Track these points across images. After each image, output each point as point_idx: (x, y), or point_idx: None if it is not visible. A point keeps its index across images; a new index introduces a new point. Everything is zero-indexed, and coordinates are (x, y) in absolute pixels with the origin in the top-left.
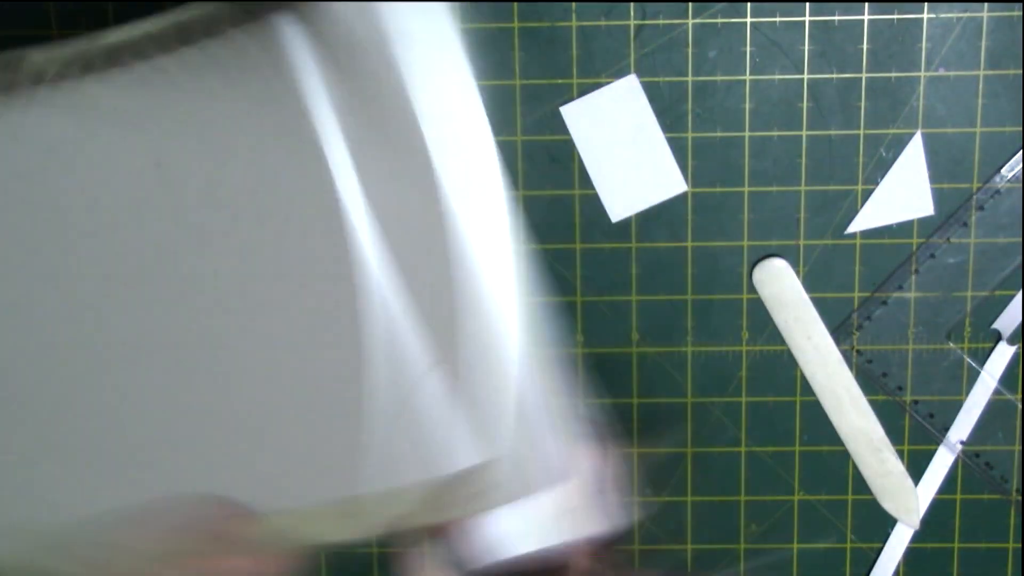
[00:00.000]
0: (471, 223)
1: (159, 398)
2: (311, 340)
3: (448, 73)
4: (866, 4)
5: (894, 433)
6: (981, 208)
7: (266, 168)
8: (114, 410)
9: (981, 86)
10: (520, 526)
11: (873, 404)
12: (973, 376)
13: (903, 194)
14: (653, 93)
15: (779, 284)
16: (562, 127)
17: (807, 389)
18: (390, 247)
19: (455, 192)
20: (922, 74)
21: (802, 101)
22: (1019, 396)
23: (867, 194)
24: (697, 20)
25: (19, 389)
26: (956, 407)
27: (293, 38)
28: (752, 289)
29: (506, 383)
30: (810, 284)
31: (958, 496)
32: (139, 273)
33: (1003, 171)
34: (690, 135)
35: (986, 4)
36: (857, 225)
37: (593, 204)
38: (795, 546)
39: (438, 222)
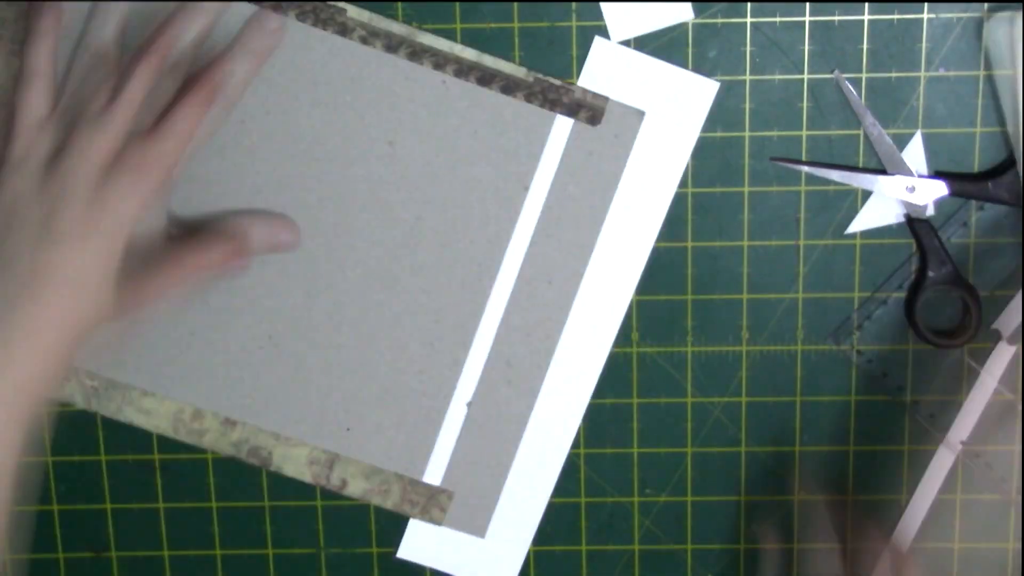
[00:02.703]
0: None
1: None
2: (435, 319)
3: (664, 175)
4: (866, 4)
5: (894, 433)
6: (981, 208)
7: (473, 201)
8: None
9: (981, 86)
10: None
11: (872, 404)
12: (973, 376)
13: (903, 194)
14: None
15: None
16: None
17: (807, 389)
18: (508, 310)
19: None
20: (922, 74)
21: (802, 101)
22: (1019, 396)
23: (867, 194)
24: (697, 20)
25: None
26: (956, 407)
27: (558, 132)
28: (752, 289)
29: (498, 447)
30: (810, 284)
31: (958, 496)
32: (359, 221)
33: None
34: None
35: (986, 4)
36: (857, 225)
37: None
38: (795, 546)
39: (562, 310)
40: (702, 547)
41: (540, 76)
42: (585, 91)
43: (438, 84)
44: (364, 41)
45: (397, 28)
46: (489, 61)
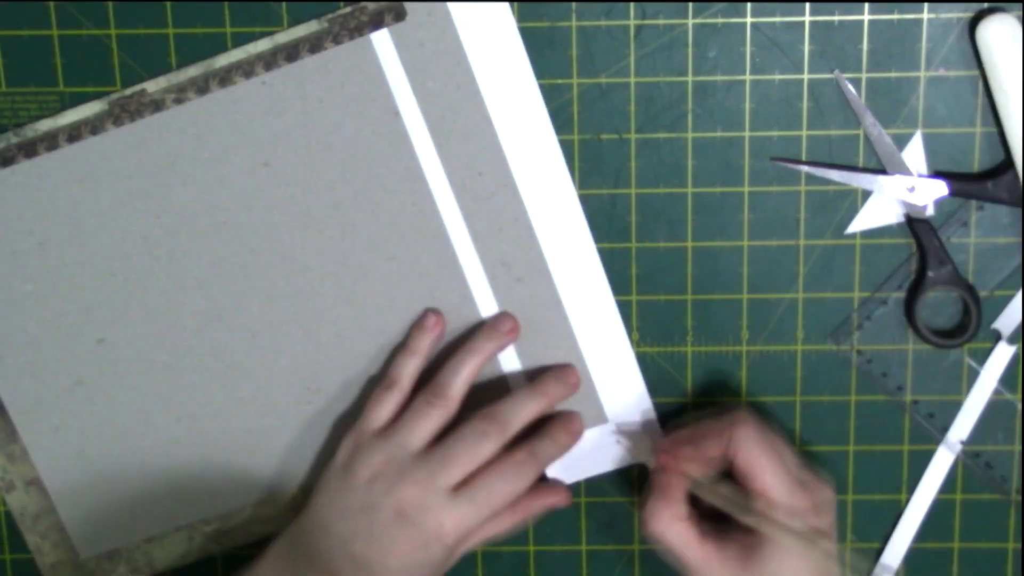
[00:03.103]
0: (536, 194)
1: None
2: (404, 301)
3: (509, 64)
4: (866, 4)
5: (894, 433)
6: (981, 208)
7: (362, 159)
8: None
9: (981, 86)
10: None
11: (872, 404)
12: (973, 376)
13: (903, 194)
14: (653, 93)
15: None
16: (563, 126)
17: (807, 389)
18: (468, 216)
19: (519, 161)
20: (922, 74)
21: (802, 101)
22: (1019, 396)
23: (867, 194)
24: (697, 20)
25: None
26: (956, 407)
27: (386, 52)
28: (752, 289)
29: (559, 341)
30: (810, 284)
31: (958, 496)
32: (251, 257)
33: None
34: (690, 135)
35: (986, 4)
36: (857, 225)
37: (594, 204)
38: None
39: (512, 195)
40: None
41: (331, 16)
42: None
43: (260, 88)
44: (178, 101)
45: (193, 70)
46: (283, 37)
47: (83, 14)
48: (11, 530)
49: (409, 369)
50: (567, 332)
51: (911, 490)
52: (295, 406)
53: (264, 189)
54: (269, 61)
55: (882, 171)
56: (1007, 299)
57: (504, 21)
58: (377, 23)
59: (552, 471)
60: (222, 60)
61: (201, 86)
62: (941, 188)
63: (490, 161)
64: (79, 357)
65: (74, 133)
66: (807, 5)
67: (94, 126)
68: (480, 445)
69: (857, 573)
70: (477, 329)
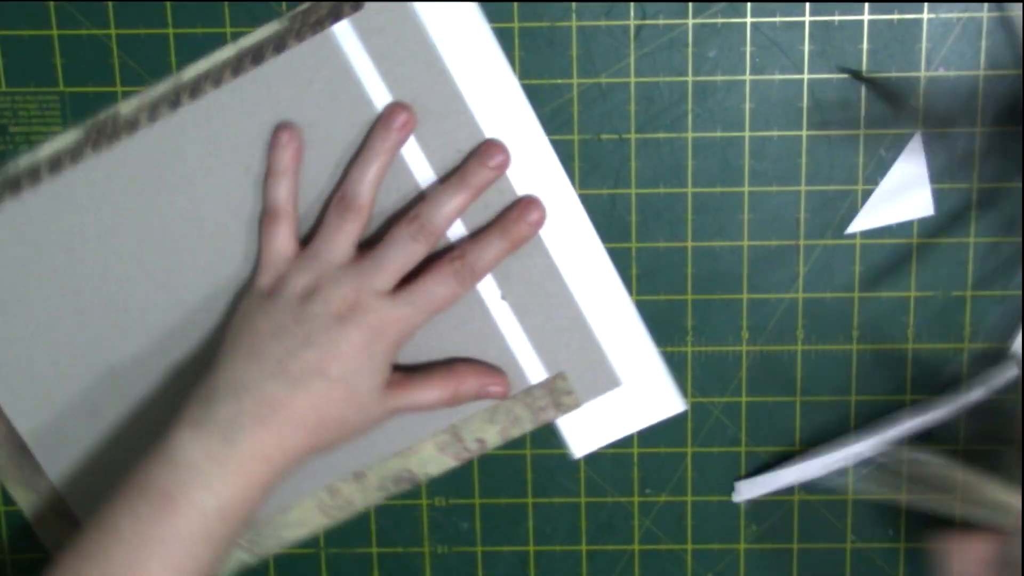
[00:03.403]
0: (517, 161)
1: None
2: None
3: (471, 36)
4: (866, 4)
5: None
6: (981, 208)
7: (341, 151)
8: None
9: (981, 86)
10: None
11: (873, 404)
12: (971, 378)
13: (903, 194)
14: (653, 93)
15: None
16: (563, 126)
17: (807, 389)
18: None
19: (496, 132)
20: (922, 74)
21: (802, 101)
22: (1019, 395)
23: (867, 194)
24: (697, 20)
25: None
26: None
27: (350, 43)
28: (752, 289)
29: (560, 309)
30: (810, 284)
31: (958, 497)
32: (245, 264)
33: None
34: (690, 135)
35: (986, 4)
36: (857, 225)
37: (594, 204)
38: (795, 546)
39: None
40: (702, 547)
41: (291, 13)
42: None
43: (231, 94)
44: (152, 119)
45: (163, 86)
46: (248, 40)
47: (83, 14)
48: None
49: (283, 191)
50: (566, 298)
51: (912, 489)
52: None
53: (249, 194)
54: (236, 66)
55: (882, 171)
56: (1008, 298)
57: (467, 8)
58: (336, 15)
59: (572, 437)
60: (190, 72)
61: (173, 100)
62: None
63: (467, 137)
64: (91, 385)
65: (55, 164)
66: (807, 5)
67: (74, 154)
68: (408, 247)
69: None
70: (370, 133)
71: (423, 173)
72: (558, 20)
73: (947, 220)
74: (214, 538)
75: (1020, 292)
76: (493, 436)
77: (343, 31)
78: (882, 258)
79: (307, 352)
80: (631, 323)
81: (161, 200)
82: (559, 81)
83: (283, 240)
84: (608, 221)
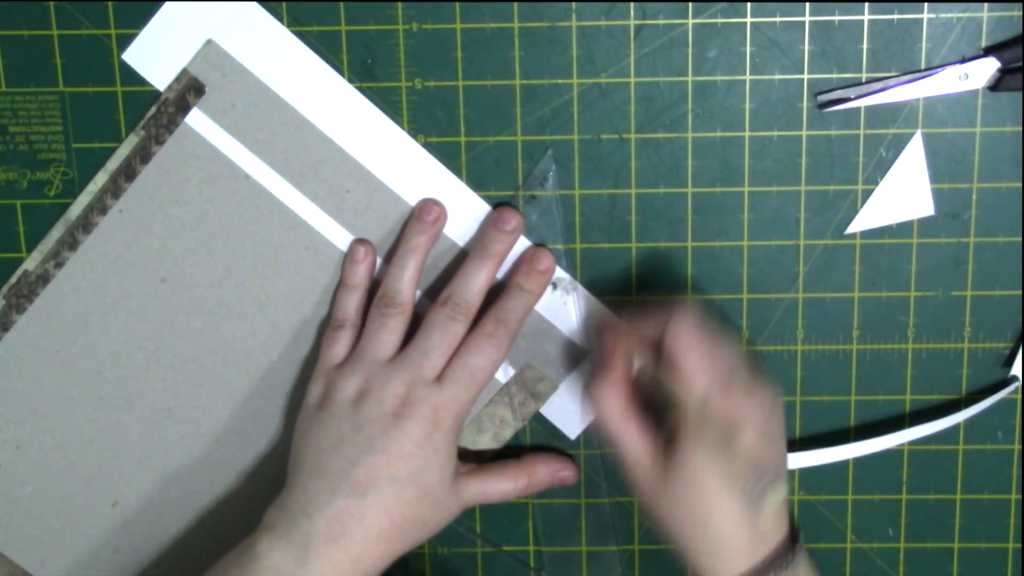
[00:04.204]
0: (404, 181)
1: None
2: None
3: (313, 75)
4: (866, 4)
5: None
6: (981, 208)
7: (240, 232)
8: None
9: (981, 86)
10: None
11: (873, 404)
12: (972, 376)
13: (903, 194)
14: (653, 93)
15: None
16: (563, 126)
17: (807, 389)
18: (359, 233)
19: (374, 162)
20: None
21: (802, 101)
22: (1019, 395)
23: (867, 194)
24: (697, 20)
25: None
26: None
27: (207, 128)
28: (752, 289)
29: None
30: (810, 284)
31: (958, 496)
32: (197, 368)
33: None
34: (690, 135)
35: (986, 4)
36: (857, 225)
37: (594, 204)
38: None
39: (387, 193)
40: None
41: (143, 122)
42: (170, 87)
43: (120, 217)
44: (59, 266)
45: (55, 231)
46: (115, 162)
47: (83, 14)
48: None
49: (352, 303)
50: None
51: (912, 489)
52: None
53: (175, 301)
54: (114, 190)
55: (882, 171)
56: (1008, 298)
57: (285, 44)
58: (184, 107)
59: (561, 423)
60: (75, 209)
61: (70, 242)
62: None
63: (348, 173)
64: (96, 520)
65: None
66: (807, 5)
67: (3, 323)
68: (448, 328)
69: (770, 494)
70: (405, 228)
71: (325, 224)
72: (558, 20)
73: (947, 220)
74: None
75: (1020, 292)
76: (488, 443)
77: (196, 120)
78: (882, 258)
79: (370, 458)
80: (579, 294)
81: (99, 337)
82: (559, 81)
83: (341, 348)
84: (608, 221)
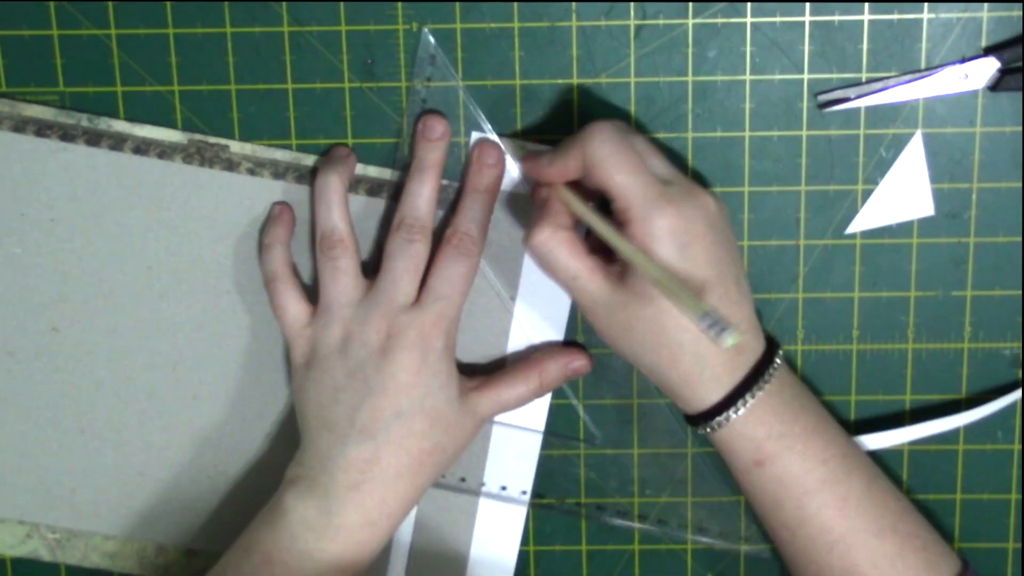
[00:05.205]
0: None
1: None
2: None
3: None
4: (866, 4)
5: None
6: (981, 208)
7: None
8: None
9: (981, 86)
10: None
11: (873, 404)
12: (972, 376)
13: (903, 194)
14: (653, 93)
15: None
16: (563, 126)
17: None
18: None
19: None
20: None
21: (802, 101)
22: (1019, 396)
23: (867, 194)
24: (697, 20)
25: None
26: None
27: None
28: (752, 289)
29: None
30: (810, 284)
31: (958, 496)
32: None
33: None
34: (690, 135)
35: (986, 4)
36: (857, 225)
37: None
38: None
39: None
40: (702, 547)
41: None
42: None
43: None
44: (252, 172)
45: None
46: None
47: (83, 14)
48: None
49: (278, 259)
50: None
51: (912, 489)
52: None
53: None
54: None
55: (882, 171)
56: (1008, 298)
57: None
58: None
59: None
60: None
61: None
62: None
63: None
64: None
65: None
66: (807, 5)
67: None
68: (408, 251)
69: (710, 323)
70: (414, 150)
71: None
72: (558, 20)
73: (947, 220)
74: None
75: (1020, 292)
76: None
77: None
78: (882, 258)
79: (371, 400)
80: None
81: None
82: (559, 81)
83: (294, 305)
84: None
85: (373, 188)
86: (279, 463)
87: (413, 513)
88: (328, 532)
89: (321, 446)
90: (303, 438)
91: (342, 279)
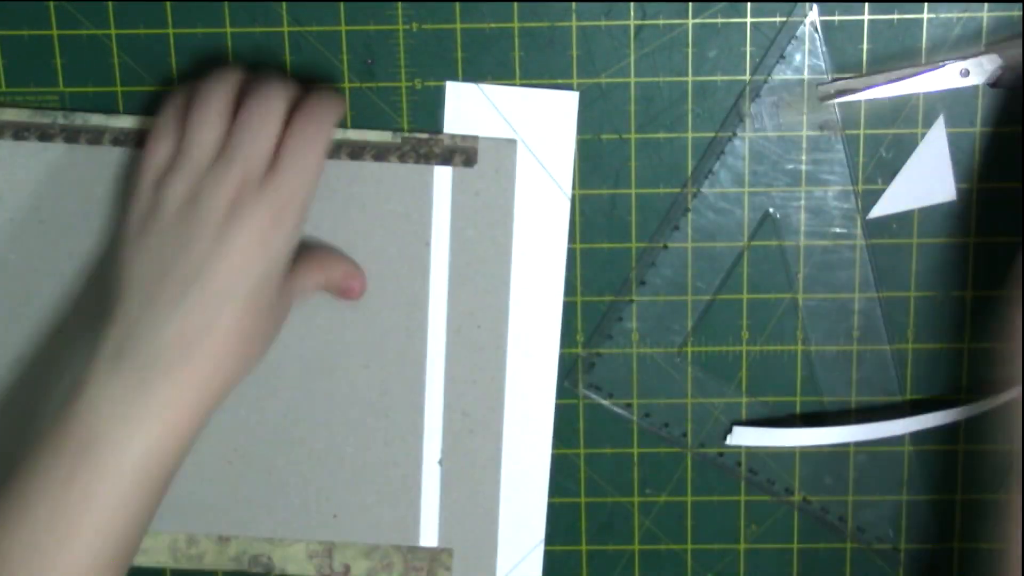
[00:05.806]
0: (520, 356)
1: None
2: (382, 391)
3: (549, 231)
4: (866, 4)
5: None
6: (981, 208)
7: (379, 270)
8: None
9: (981, 86)
10: None
11: (873, 404)
12: (972, 376)
13: (925, 179)
14: (653, 93)
15: None
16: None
17: (807, 389)
18: (451, 358)
19: (519, 325)
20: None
21: (802, 101)
22: (1019, 395)
23: (867, 194)
24: (697, 20)
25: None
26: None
27: (441, 188)
28: (752, 289)
29: (483, 499)
30: (810, 284)
31: (958, 496)
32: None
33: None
34: (690, 135)
35: (986, 4)
36: (879, 210)
37: (594, 204)
38: (795, 546)
39: (499, 354)
40: (702, 547)
41: (407, 135)
42: (453, 136)
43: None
44: None
45: None
46: (354, 134)
47: (83, 14)
48: None
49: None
50: (493, 492)
51: (912, 488)
52: None
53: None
54: (333, 151)
55: (882, 171)
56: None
57: (559, 199)
58: (447, 159)
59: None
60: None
61: None
62: (994, 60)
63: (493, 319)
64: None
65: None
66: (807, 5)
67: None
68: (266, 105)
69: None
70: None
71: (437, 326)
72: (558, 20)
73: (947, 220)
74: (143, 492)
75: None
76: (360, 568)
77: (442, 175)
78: (882, 258)
79: (204, 276)
80: (535, 534)
81: None
82: (559, 81)
83: (164, 152)
84: (608, 221)
85: (379, 154)
86: (298, 440)
87: (438, 473)
88: (144, 413)
89: (143, 321)
90: (115, 310)
91: (207, 132)
